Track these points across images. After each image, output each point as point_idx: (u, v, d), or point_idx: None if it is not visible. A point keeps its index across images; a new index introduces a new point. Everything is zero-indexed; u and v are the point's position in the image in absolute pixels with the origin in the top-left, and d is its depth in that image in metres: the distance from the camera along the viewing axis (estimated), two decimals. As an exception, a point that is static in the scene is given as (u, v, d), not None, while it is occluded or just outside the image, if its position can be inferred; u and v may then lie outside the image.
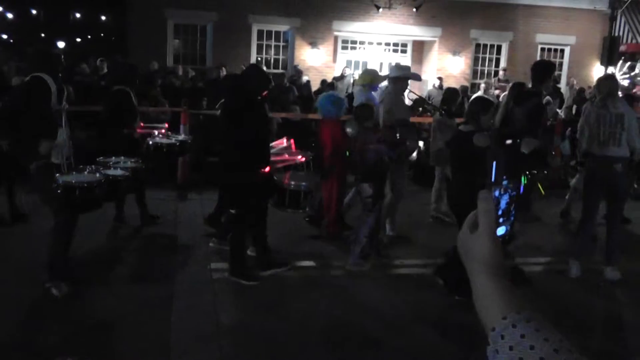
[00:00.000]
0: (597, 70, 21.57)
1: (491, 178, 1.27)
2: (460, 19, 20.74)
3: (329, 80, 18.13)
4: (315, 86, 17.80)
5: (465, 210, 1.37)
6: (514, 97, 7.69)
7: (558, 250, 8.59)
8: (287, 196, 7.80)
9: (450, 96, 10.27)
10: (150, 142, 8.81)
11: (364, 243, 7.43)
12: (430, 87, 19.72)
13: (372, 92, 9.03)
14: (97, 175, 6.73)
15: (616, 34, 20.32)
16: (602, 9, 21.26)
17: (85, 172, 6.78)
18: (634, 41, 21.69)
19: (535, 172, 7.39)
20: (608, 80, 7.92)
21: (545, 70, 7.89)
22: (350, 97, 15.11)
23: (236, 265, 6.93)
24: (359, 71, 20.21)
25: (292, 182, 7.83)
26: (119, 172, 7.21)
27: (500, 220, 1.32)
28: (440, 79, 19.18)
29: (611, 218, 7.75)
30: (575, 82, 19.92)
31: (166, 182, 10.79)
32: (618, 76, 20.20)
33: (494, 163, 1.24)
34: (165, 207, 9.56)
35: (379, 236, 7.96)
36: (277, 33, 20.32)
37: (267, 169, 7.16)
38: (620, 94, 18.17)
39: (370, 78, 9.11)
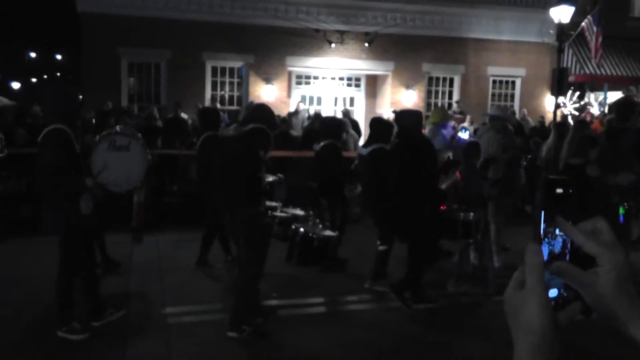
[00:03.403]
0: (548, 101, 22.01)
1: (539, 229, 1.10)
2: (413, 53, 21.01)
3: (284, 115, 18.18)
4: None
5: None
6: (607, 133, 8.44)
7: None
8: (459, 227, 8.03)
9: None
10: None
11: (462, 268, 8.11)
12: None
13: (443, 130, 9.33)
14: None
15: (565, 65, 20.72)
16: (550, 41, 21.73)
17: None
18: (581, 72, 22.20)
19: (632, 203, 7.84)
20: None
21: (629, 107, 8.49)
22: (308, 132, 15.26)
23: (416, 293, 7.44)
24: (314, 106, 20.41)
25: (462, 213, 8.06)
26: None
27: (553, 279, 1.09)
28: (394, 112, 19.32)
29: None
30: (526, 113, 20.27)
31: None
32: (569, 105, 20.75)
33: (542, 212, 1.10)
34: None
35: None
36: (231, 69, 20.32)
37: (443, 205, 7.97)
38: (571, 120, 18.88)
39: (441, 116, 9.59)
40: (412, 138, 7.56)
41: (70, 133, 6.08)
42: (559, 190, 1.10)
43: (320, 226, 9.00)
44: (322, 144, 9.10)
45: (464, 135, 11.32)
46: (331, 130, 9.36)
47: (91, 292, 6.53)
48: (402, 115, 7.99)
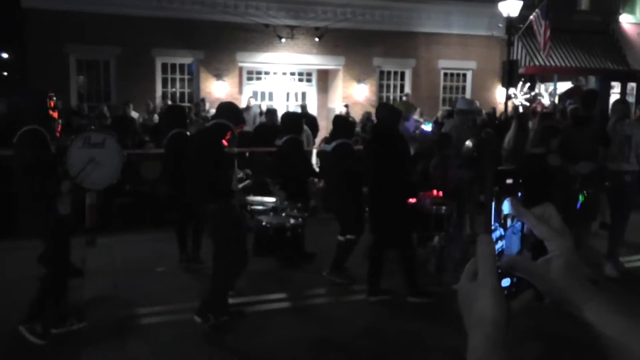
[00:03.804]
0: (499, 92, 22.29)
1: (490, 220, 1.09)
2: (363, 48, 21.04)
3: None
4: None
5: None
6: (573, 122, 8.99)
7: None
8: (431, 221, 8.26)
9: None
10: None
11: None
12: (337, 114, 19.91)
13: (406, 122, 9.60)
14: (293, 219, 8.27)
15: (514, 58, 21.01)
16: (500, 35, 21.98)
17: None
18: (531, 64, 22.58)
19: (592, 191, 8.36)
20: (620, 105, 9.21)
21: (594, 98, 9.10)
22: (259, 127, 15.20)
23: (412, 288, 7.55)
24: (266, 101, 20.36)
25: (434, 207, 8.25)
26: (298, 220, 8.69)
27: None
28: (346, 106, 19.39)
29: (617, 222, 8.80)
30: (478, 104, 20.41)
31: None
32: (519, 96, 21.07)
33: (493, 204, 1.09)
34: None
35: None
36: (182, 66, 19.99)
37: (414, 199, 8.20)
38: (521, 110, 19.22)
39: (405, 109, 9.72)
40: (390, 131, 7.62)
41: (45, 134, 6.09)
42: (509, 181, 1.10)
43: (284, 214, 9.03)
44: (284, 138, 9.19)
45: (428, 127, 11.78)
46: (293, 124, 9.49)
47: (59, 297, 6.43)
48: (383, 110, 8.06)
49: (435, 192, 8.65)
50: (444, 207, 8.25)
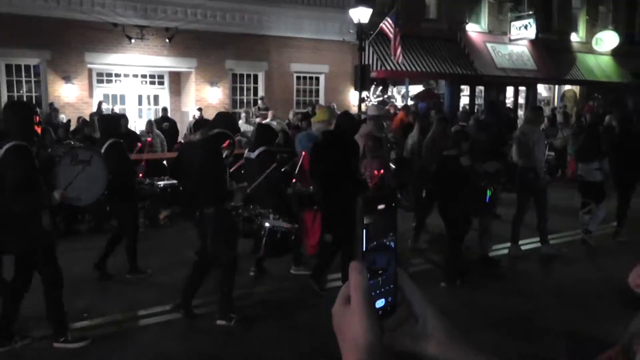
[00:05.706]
0: (352, 95, 22.92)
1: (362, 246, 1.05)
2: (215, 50, 21.04)
3: (86, 117, 17.21)
4: (73, 125, 16.86)
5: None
6: (477, 127, 10.47)
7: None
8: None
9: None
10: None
11: None
12: (190, 118, 19.84)
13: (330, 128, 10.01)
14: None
15: (366, 62, 21.68)
16: (351, 40, 22.58)
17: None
18: (382, 68, 23.37)
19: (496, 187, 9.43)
20: (529, 112, 10.64)
21: (497, 107, 11.12)
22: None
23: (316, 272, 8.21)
24: (118, 105, 20.03)
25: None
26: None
27: (380, 290, 1.07)
28: (200, 109, 19.37)
29: (517, 210, 10.19)
30: (335, 107, 20.77)
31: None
32: (372, 99, 21.70)
33: (364, 230, 1.05)
34: None
35: None
36: (28, 67, 18.95)
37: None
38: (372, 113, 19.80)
39: (328, 115, 10.20)
40: (348, 137, 8.31)
41: (30, 149, 6.00)
42: (381, 207, 1.07)
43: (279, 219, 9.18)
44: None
45: None
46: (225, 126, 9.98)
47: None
48: (346, 117, 8.65)
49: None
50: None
